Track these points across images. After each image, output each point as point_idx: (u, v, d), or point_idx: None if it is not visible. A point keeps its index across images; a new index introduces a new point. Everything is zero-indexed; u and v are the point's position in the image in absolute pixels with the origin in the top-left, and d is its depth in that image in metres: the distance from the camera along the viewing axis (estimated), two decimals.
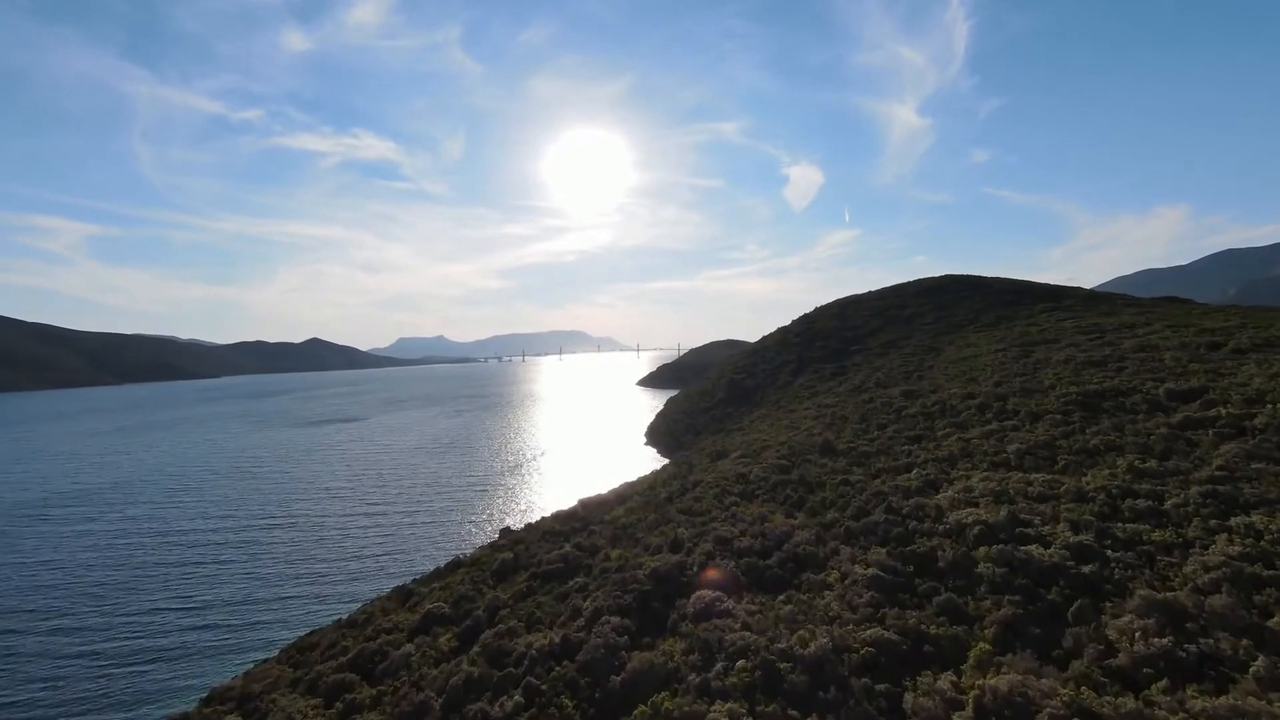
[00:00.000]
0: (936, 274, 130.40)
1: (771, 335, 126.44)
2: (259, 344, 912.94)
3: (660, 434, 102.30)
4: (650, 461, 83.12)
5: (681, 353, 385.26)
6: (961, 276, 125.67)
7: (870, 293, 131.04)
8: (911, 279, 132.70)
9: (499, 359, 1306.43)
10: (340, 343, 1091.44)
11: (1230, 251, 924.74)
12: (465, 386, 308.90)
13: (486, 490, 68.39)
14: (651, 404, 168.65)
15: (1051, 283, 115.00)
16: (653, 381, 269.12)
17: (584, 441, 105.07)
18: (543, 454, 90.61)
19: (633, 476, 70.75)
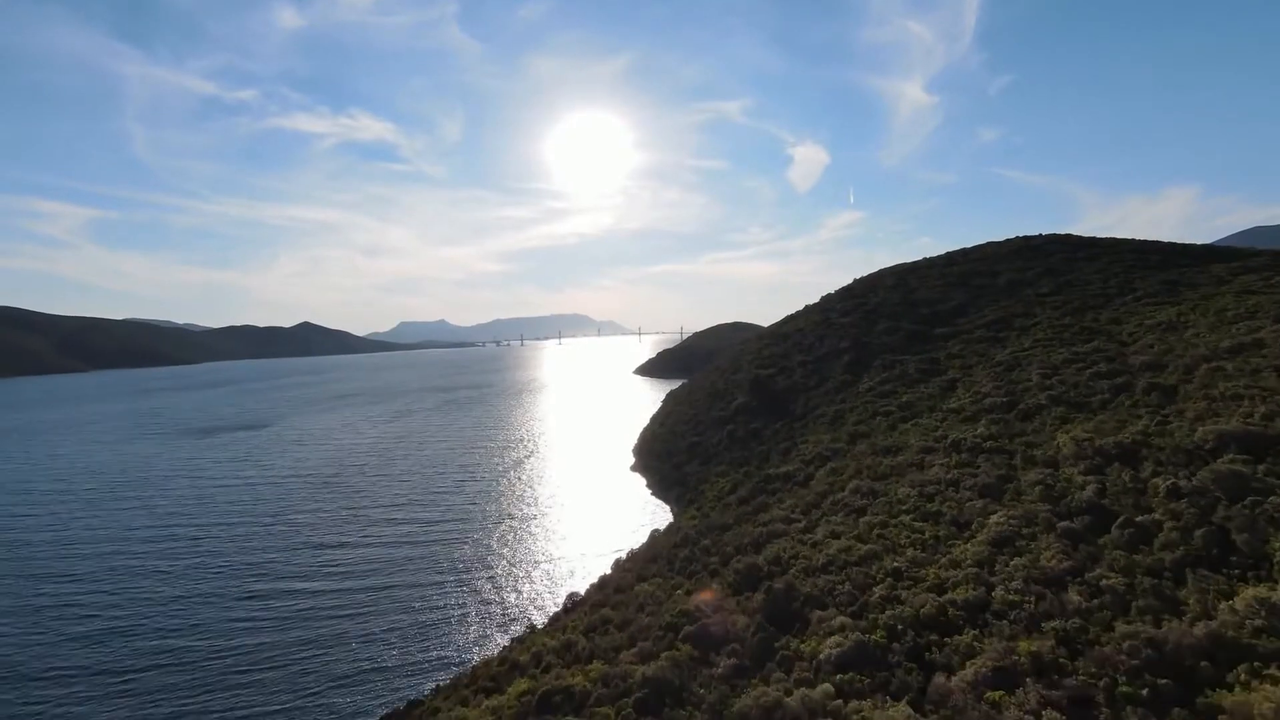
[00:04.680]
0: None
1: (802, 315, 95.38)
2: (248, 328, 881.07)
3: (654, 455, 72.07)
4: (632, 517, 53.06)
5: (684, 336, 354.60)
6: (1059, 236, 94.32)
7: (934, 259, 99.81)
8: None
9: (496, 343, 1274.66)
10: (337, 327, 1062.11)
11: (1256, 229, 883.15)
12: (443, 375, 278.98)
13: (334, 583, 38.15)
14: (649, 397, 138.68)
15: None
16: (652, 369, 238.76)
17: (546, 466, 74.74)
18: (474, 495, 60.32)
19: (594, 566, 40.19)
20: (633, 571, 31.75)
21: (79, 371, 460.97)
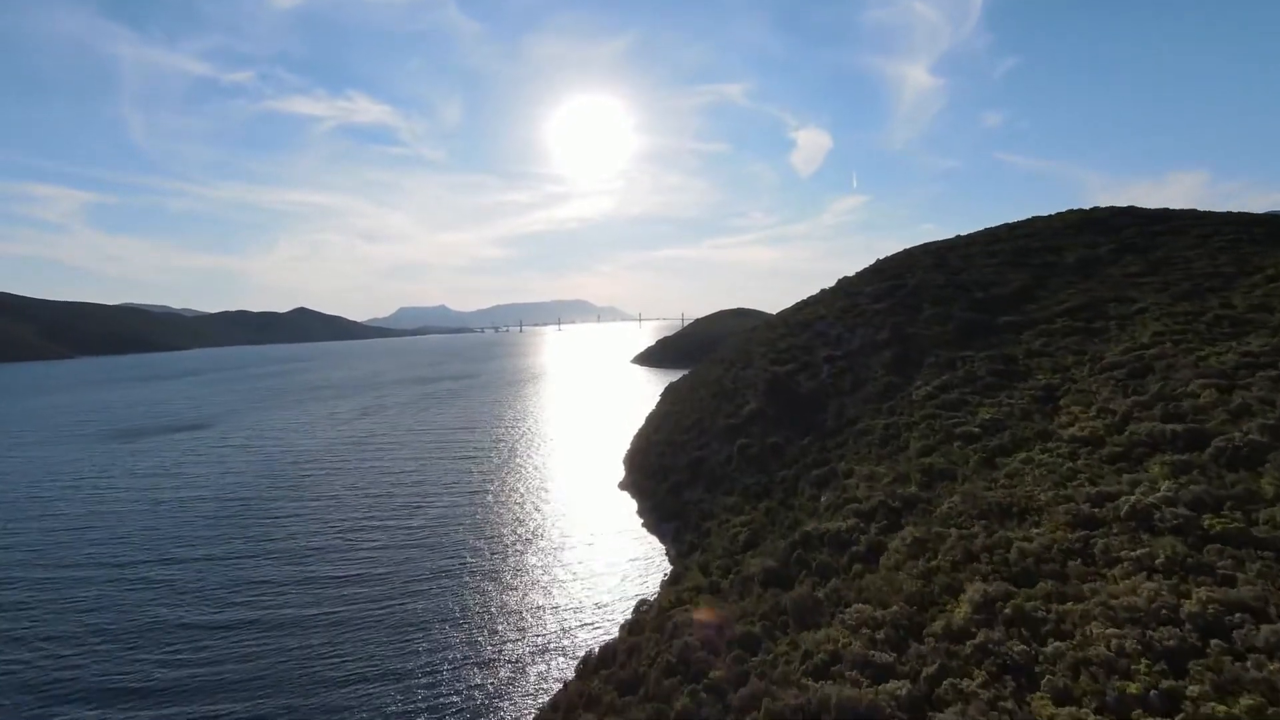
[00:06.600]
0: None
1: (822, 299, 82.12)
2: (242, 314, 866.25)
3: (647, 472, 59.54)
4: (614, 569, 40.73)
5: (685, 323, 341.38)
6: (1122, 208, 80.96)
7: (974, 235, 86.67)
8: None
9: (495, 329, 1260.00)
10: (337, 313, 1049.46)
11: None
12: (431, 364, 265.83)
13: (157, 710, 25.73)
14: (647, 390, 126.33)
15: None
16: (651, 358, 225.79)
17: (516, 485, 62.13)
18: (415, 533, 47.55)
19: (544, 678, 26.15)
20: None
21: (62, 358, 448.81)
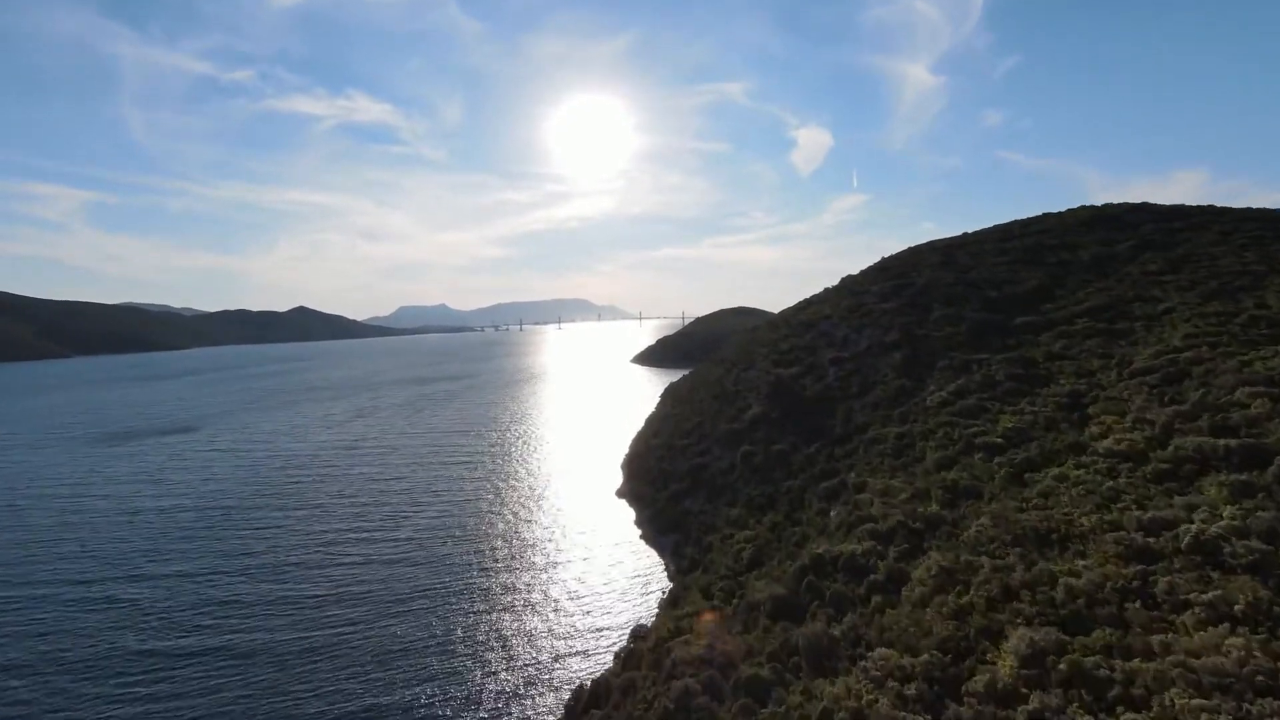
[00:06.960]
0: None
1: (826, 299, 79.37)
2: (241, 313, 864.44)
3: (646, 478, 57.12)
4: (611, 587, 38.49)
5: (686, 321, 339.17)
6: (1136, 205, 78.15)
7: (982, 232, 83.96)
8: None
9: (495, 328, 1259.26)
10: (337, 312, 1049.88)
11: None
12: (430, 363, 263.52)
13: None
14: (647, 391, 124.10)
15: None
16: (652, 358, 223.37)
17: (508, 494, 59.89)
18: (401, 546, 45.43)
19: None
20: None
21: (59, 357, 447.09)
